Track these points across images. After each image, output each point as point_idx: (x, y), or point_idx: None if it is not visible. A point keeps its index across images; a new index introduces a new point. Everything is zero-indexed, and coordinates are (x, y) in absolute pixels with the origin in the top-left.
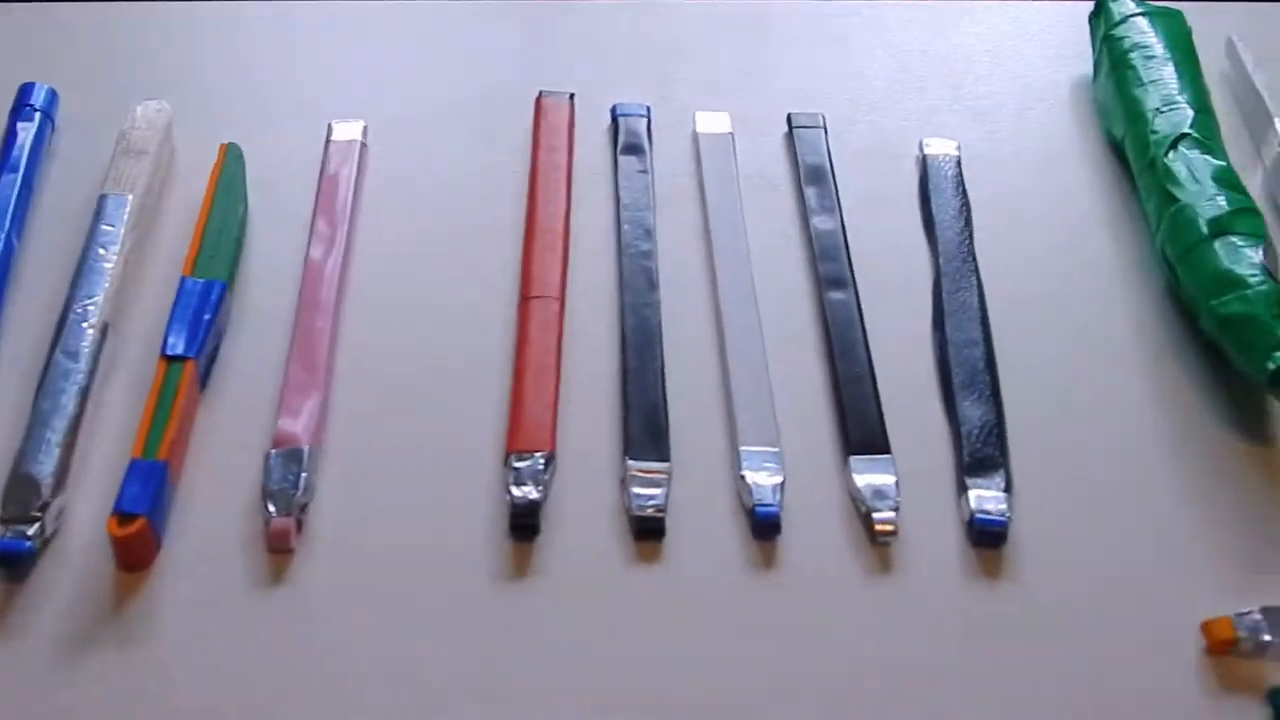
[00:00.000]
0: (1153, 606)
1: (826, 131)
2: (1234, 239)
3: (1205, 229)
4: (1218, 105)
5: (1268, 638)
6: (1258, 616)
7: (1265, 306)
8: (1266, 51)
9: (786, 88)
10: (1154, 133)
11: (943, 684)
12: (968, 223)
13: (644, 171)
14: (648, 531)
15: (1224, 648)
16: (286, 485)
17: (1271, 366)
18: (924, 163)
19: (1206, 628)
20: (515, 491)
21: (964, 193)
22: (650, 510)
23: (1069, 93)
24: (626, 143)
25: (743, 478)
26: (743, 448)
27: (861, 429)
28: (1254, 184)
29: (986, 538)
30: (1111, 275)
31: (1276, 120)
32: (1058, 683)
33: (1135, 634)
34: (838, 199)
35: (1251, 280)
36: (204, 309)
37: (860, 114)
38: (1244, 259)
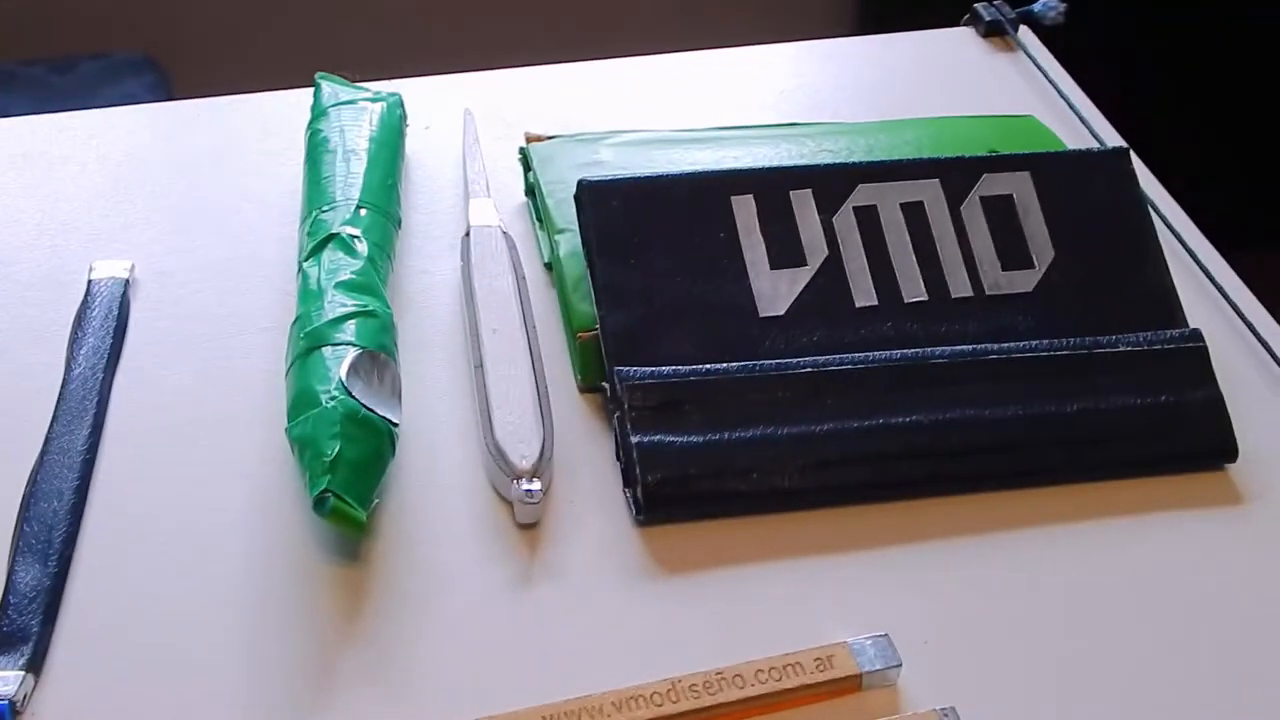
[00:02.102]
0: None
1: None
2: (327, 351)
3: (303, 343)
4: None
5: None
6: None
7: (326, 426)
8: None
9: None
10: (310, 235)
11: None
12: (110, 354)
13: None
14: None
15: None
16: None
17: (314, 493)
18: (88, 288)
19: None
20: None
21: (121, 319)
22: None
23: (285, 193)
24: None
25: None
26: None
27: None
28: None
29: None
30: (260, 404)
31: (470, 201)
32: None
33: None
34: None
35: (323, 398)
36: None
37: (46, 238)
38: (325, 374)
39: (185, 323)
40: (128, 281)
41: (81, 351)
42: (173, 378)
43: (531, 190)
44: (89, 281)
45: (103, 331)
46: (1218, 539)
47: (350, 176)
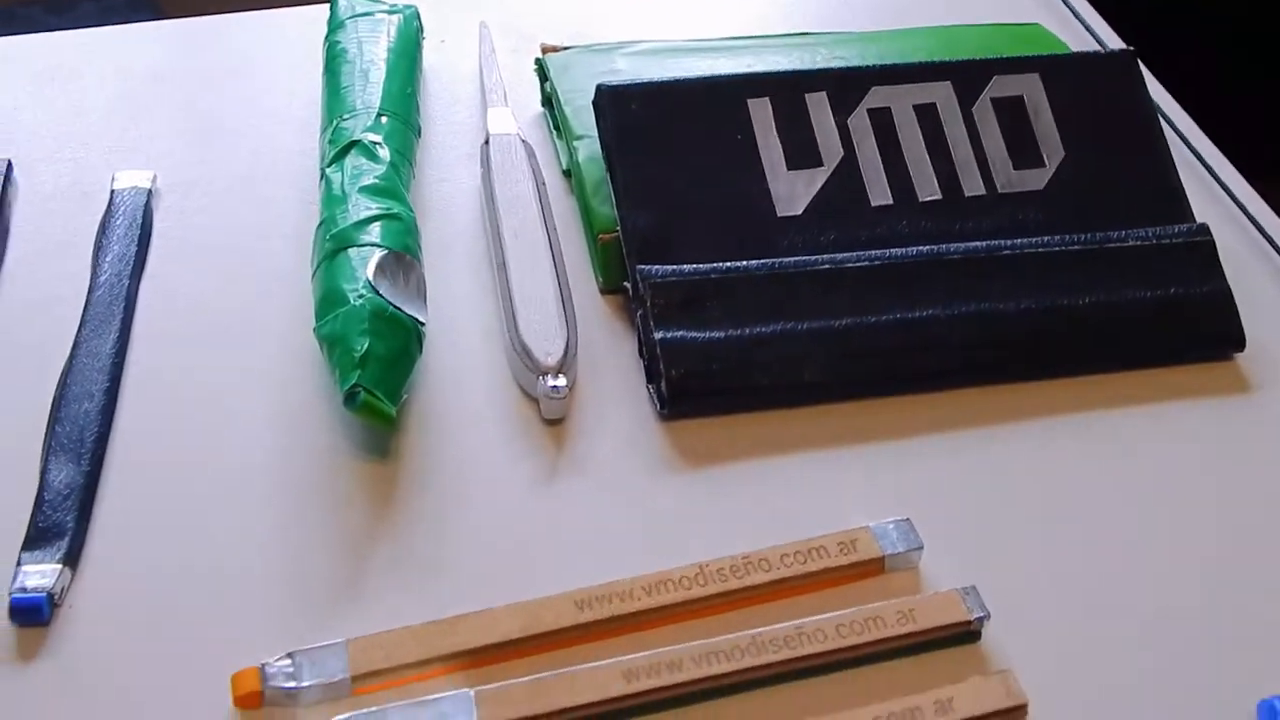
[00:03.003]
0: (195, 663)
1: (9, 179)
2: (353, 252)
3: (329, 244)
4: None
5: (293, 684)
6: (286, 662)
7: (355, 323)
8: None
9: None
10: (331, 143)
11: None
12: (135, 261)
13: None
14: None
15: (253, 701)
16: None
17: (344, 388)
18: (111, 198)
19: (234, 680)
20: None
21: (145, 227)
22: None
23: (303, 106)
24: None
25: None
26: None
27: None
28: None
29: (22, 615)
30: (285, 307)
31: (489, 110)
32: None
33: (170, 696)
34: None
35: (351, 296)
36: None
37: (68, 150)
38: (352, 274)
39: (208, 231)
40: (150, 191)
41: (107, 259)
42: (198, 283)
43: (548, 100)
44: (112, 192)
45: (127, 239)
46: (1227, 425)
47: (370, 86)
